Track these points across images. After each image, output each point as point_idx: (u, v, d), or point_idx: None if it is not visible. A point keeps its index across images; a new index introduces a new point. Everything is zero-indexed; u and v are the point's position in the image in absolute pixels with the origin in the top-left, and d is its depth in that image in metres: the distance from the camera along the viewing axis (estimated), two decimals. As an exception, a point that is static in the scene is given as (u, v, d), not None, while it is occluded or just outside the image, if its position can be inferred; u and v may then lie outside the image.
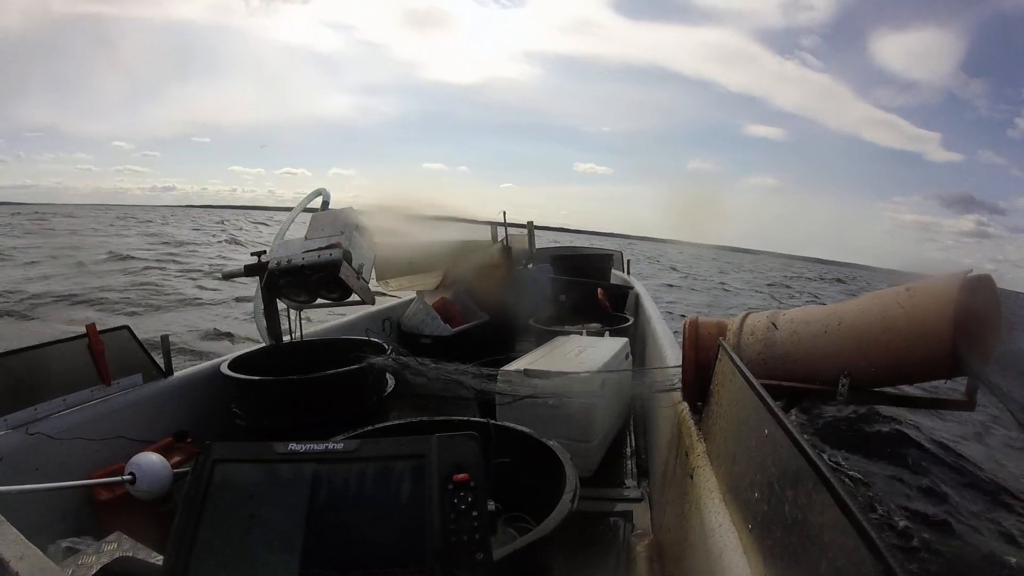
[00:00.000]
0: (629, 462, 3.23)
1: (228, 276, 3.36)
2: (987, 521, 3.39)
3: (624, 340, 3.78)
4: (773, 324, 1.81)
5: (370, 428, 2.10)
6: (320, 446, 1.21)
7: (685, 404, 2.09)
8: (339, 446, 1.21)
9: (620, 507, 2.73)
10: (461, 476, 1.14)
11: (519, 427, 2.11)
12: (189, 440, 2.67)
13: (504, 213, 6.50)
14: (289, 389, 2.75)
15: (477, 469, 1.16)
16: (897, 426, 4.89)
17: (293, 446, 1.21)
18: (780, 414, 1.11)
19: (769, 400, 1.22)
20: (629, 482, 3.00)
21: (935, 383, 1.58)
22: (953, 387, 1.58)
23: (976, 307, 1.42)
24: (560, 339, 3.84)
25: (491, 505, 1.14)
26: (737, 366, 1.49)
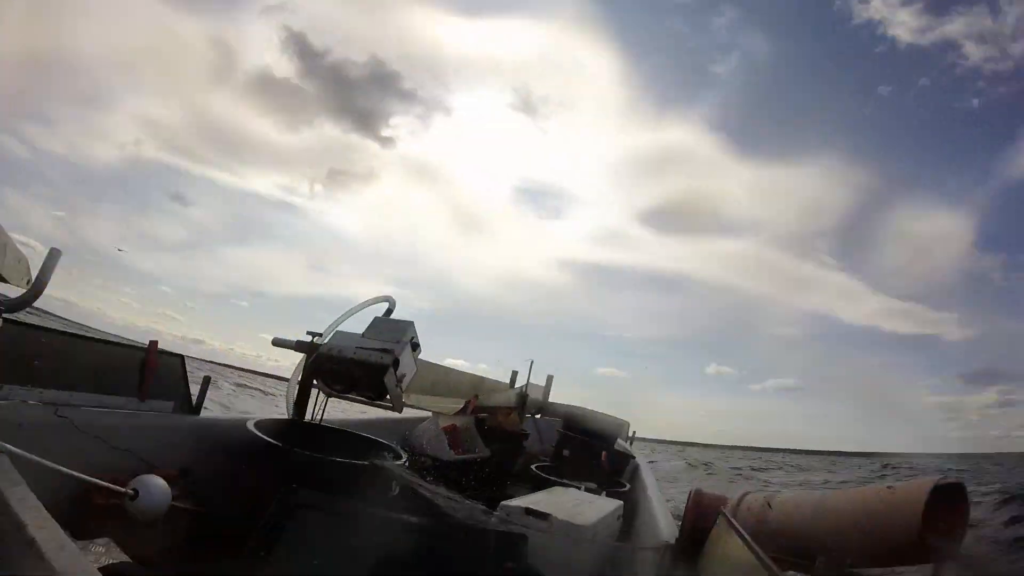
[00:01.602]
0: None
1: (278, 344, 3.57)
2: None
3: (619, 503, 3.89)
4: (768, 504, 2.04)
5: None
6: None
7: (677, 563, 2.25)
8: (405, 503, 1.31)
9: None
10: (508, 565, 1.28)
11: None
12: (191, 479, 2.70)
13: (531, 362, 6.73)
14: (302, 464, 2.79)
15: (523, 564, 1.28)
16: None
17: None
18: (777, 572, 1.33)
19: (768, 561, 1.43)
20: None
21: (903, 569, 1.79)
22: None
23: (946, 506, 1.68)
24: (559, 489, 3.95)
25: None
26: (745, 539, 1.70)
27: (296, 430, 3.34)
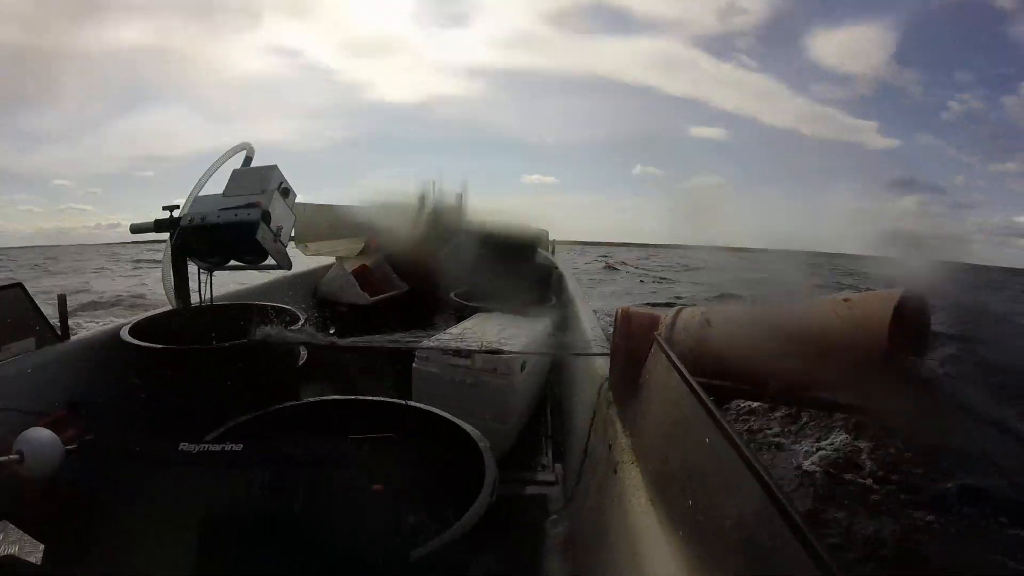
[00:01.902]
0: (544, 444, 3.20)
1: (136, 230, 3.07)
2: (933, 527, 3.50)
3: (547, 320, 3.74)
4: (707, 321, 1.79)
5: (274, 408, 1.96)
6: (216, 447, 1.08)
7: (609, 394, 2.05)
8: (238, 448, 1.07)
9: (534, 490, 2.70)
10: (379, 487, 1.03)
11: (436, 410, 2.03)
12: (84, 413, 2.39)
13: (433, 182, 6.32)
14: (192, 360, 2.52)
15: (397, 477, 1.05)
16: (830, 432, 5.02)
17: (185, 446, 1.07)
18: (725, 423, 1.06)
19: (709, 403, 1.17)
20: (544, 464, 2.98)
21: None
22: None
23: (909, 323, 1.46)
24: (482, 315, 3.76)
25: (411, 518, 1.04)
26: (674, 363, 1.44)
27: (179, 319, 2.99)
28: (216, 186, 3.06)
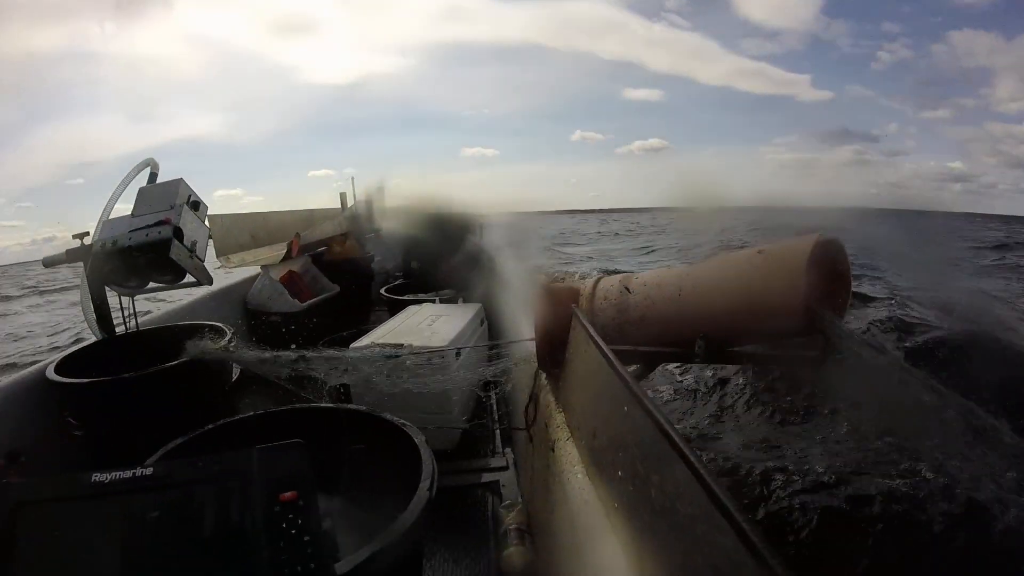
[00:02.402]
0: (493, 429, 3.18)
1: (49, 263, 2.91)
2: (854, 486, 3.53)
3: (478, 306, 3.70)
4: (626, 288, 1.77)
5: (209, 427, 1.87)
6: (127, 474, 1.02)
7: (542, 372, 2.03)
8: (148, 471, 1.01)
9: (487, 477, 2.70)
10: (288, 495, 0.98)
11: (371, 411, 1.97)
12: (23, 460, 2.27)
13: (352, 179, 6.19)
14: (121, 390, 2.39)
15: (306, 483, 1.00)
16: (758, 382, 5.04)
17: (97, 476, 1.01)
18: (639, 391, 1.04)
19: (627, 376, 1.15)
20: (495, 450, 2.96)
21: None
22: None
23: (827, 269, 1.46)
24: (412, 308, 3.70)
25: (327, 524, 0.99)
26: (591, 336, 1.43)
27: (105, 350, 2.85)
28: (126, 206, 2.92)
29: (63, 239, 2.88)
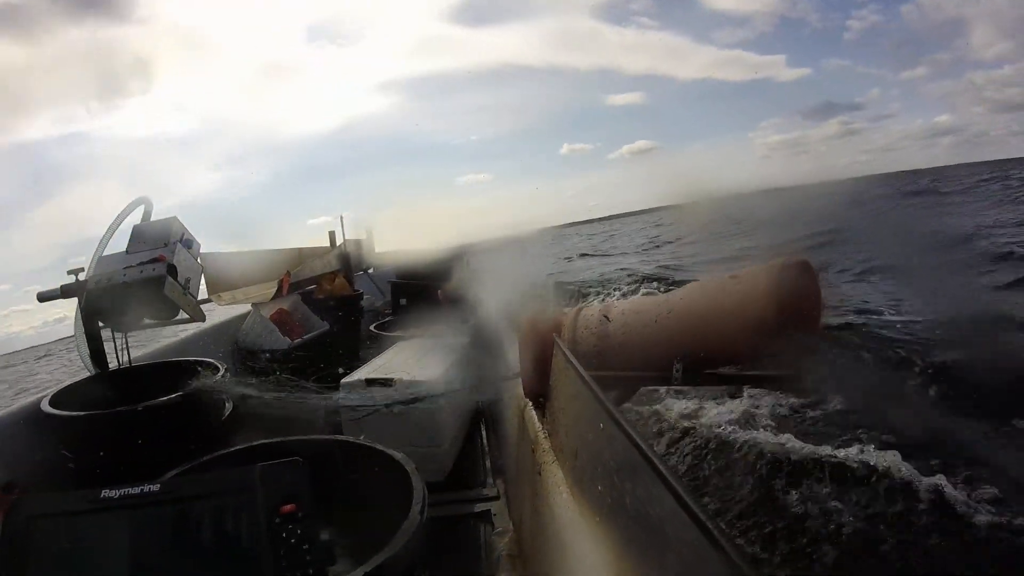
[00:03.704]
0: (483, 460, 3.22)
1: (44, 298, 2.95)
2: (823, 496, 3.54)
3: (467, 339, 3.78)
4: (605, 316, 1.87)
5: (205, 459, 1.92)
6: (135, 489, 1.09)
7: (528, 401, 2.11)
8: (155, 487, 1.09)
9: (479, 507, 2.72)
10: (288, 507, 1.05)
11: (362, 441, 2.03)
12: (17, 491, 2.27)
13: (341, 218, 6.28)
14: (116, 423, 2.45)
15: (305, 497, 1.08)
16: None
17: (107, 492, 1.09)
18: (611, 408, 1.13)
19: (600, 395, 1.24)
20: (485, 481, 3.00)
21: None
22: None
23: (796, 290, 1.56)
24: (401, 343, 3.76)
25: (324, 534, 1.07)
26: (570, 361, 1.51)
27: (97, 386, 2.89)
28: (120, 244, 3.00)
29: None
